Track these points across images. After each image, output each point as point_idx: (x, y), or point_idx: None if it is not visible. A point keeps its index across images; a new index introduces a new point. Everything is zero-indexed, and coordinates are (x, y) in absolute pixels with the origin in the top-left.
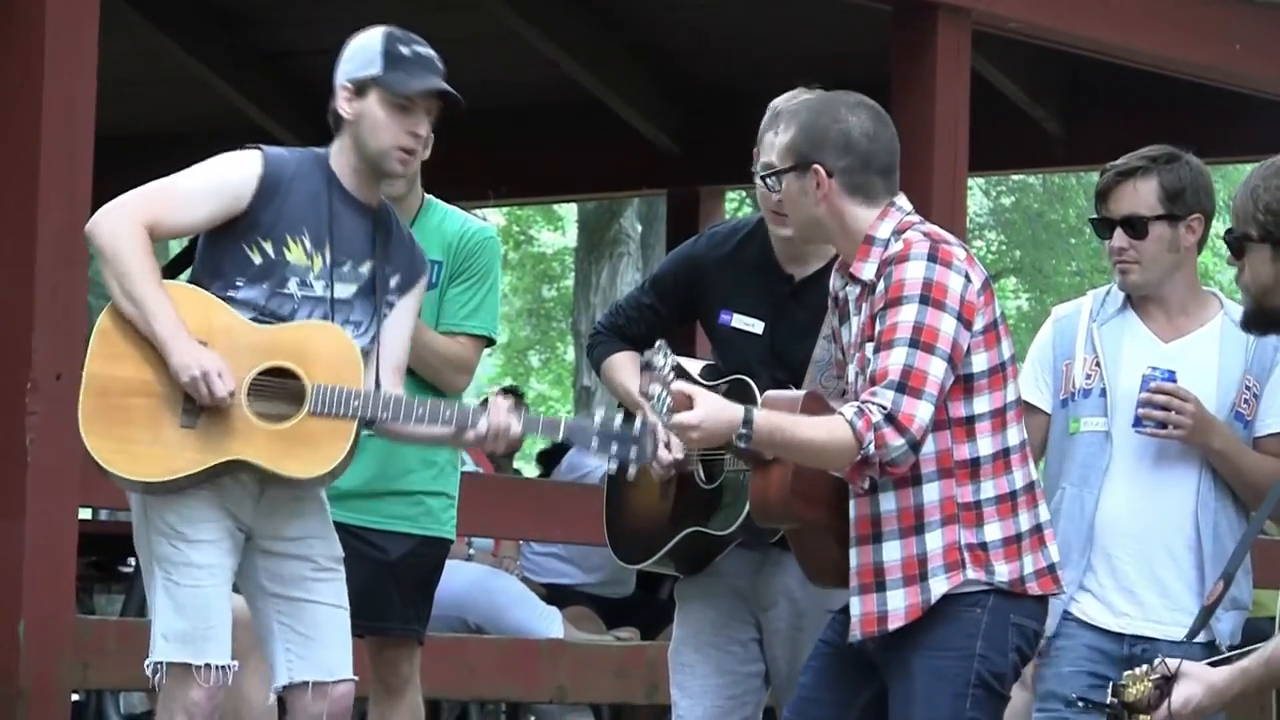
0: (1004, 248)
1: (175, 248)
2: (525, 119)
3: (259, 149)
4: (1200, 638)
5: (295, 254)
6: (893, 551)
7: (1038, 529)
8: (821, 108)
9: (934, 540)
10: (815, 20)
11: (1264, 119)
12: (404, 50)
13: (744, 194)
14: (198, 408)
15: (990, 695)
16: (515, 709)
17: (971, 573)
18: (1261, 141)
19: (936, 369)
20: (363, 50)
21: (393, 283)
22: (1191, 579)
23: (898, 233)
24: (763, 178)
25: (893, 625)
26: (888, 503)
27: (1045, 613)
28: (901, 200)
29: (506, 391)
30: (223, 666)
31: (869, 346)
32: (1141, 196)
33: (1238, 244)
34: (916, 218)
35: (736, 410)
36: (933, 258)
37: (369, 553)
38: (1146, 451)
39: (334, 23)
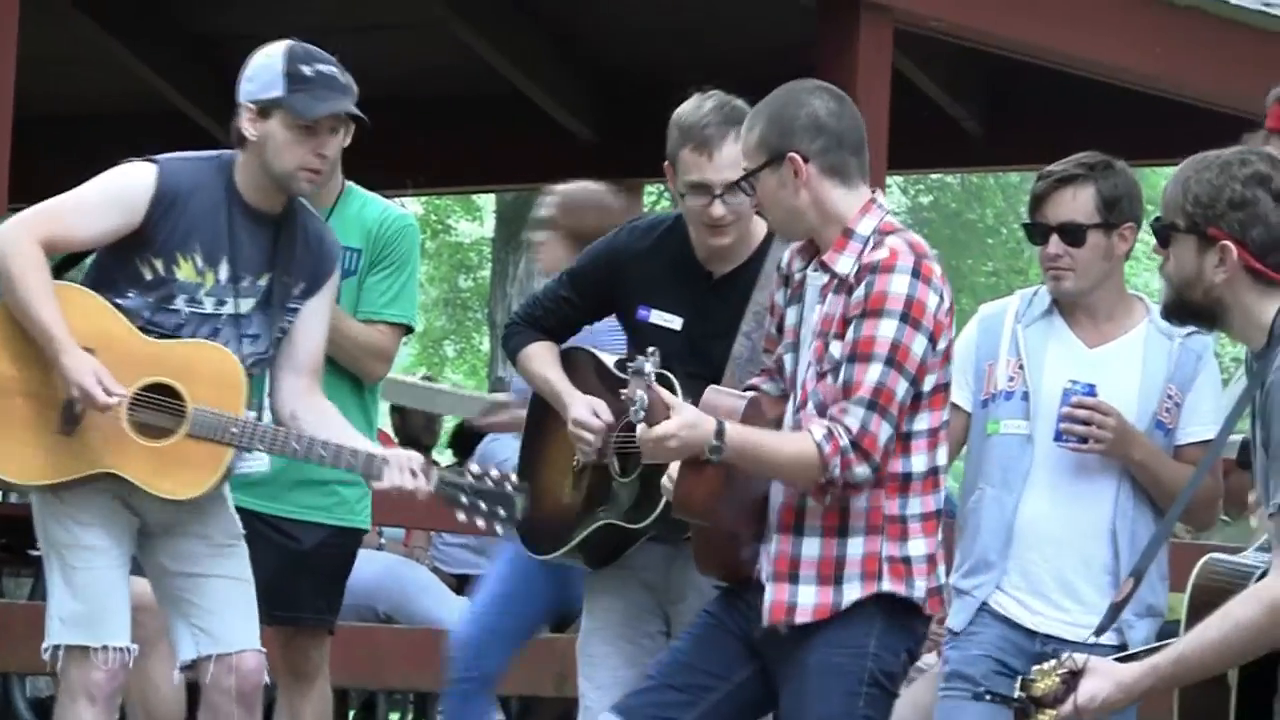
0: None
1: None
2: (445, 108)
3: (155, 162)
4: (1112, 640)
5: (185, 271)
6: (812, 548)
7: (937, 551)
8: (784, 98)
9: (855, 546)
10: (737, 14)
11: (1184, 122)
12: (306, 70)
13: (662, 187)
14: (77, 415)
15: (883, 694)
16: (423, 698)
17: (888, 585)
18: (1181, 145)
19: (901, 388)
20: (264, 70)
21: (296, 290)
22: (1106, 586)
23: (880, 233)
24: (738, 184)
25: (799, 620)
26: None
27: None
28: (880, 197)
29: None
30: (121, 648)
31: (836, 345)
32: (1080, 204)
33: (1164, 234)
34: (896, 221)
35: (710, 423)
36: (916, 273)
37: (282, 542)
38: (1067, 458)
39: (258, 7)
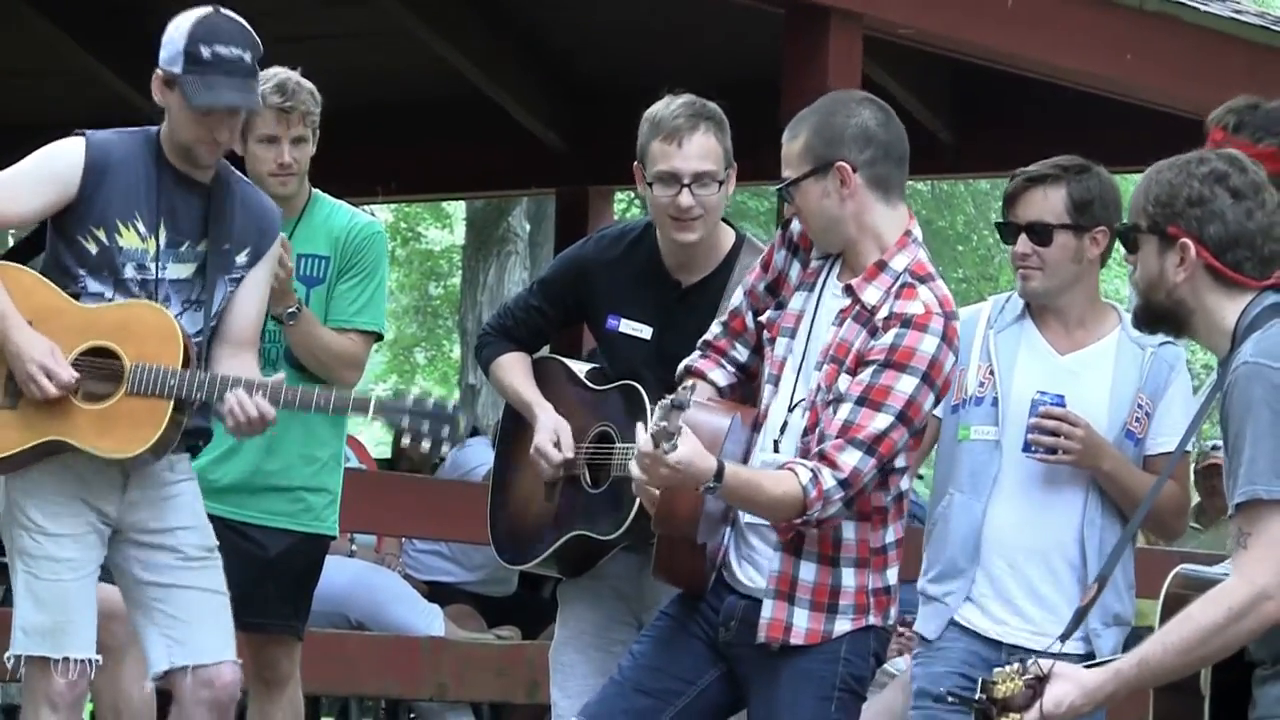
0: None
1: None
2: (415, 117)
3: (83, 135)
4: (1080, 650)
5: (128, 238)
6: (809, 572)
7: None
8: (831, 107)
9: (848, 578)
10: (707, 20)
11: (1155, 129)
12: (204, 52)
13: (632, 194)
14: (18, 388)
15: (854, 699)
16: (395, 706)
17: (873, 618)
18: (1152, 151)
19: (902, 441)
20: (171, 42)
21: (240, 258)
22: (1074, 595)
23: (912, 274)
24: (780, 191)
25: (793, 641)
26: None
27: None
28: (916, 230)
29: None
30: (83, 660)
31: (845, 379)
32: (1050, 204)
33: (1129, 236)
34: (926, 265)
35: (710, 462)
36: (944, 337)
37: (248, 549)
38: (1036, 466)
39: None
